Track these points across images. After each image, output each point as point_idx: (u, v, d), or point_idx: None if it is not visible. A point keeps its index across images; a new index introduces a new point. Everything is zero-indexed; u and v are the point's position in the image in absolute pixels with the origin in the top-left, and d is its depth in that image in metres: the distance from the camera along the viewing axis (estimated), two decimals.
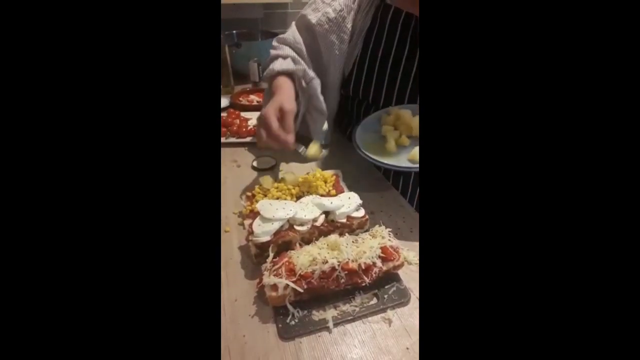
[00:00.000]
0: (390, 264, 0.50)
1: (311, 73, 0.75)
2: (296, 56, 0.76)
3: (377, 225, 0.55)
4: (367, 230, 0.59)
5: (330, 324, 0.46)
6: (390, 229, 0.54)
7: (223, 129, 0.95)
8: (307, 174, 0.67)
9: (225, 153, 0.87)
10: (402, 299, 0.49)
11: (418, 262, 0.55)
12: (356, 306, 0.48)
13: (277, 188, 0.64)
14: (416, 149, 0.68)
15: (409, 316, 0.48)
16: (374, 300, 0.49)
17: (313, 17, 0.76)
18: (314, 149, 0.66)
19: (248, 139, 0.92)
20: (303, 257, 0.47)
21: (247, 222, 0.57)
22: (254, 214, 0.57)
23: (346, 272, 0.47)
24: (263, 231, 0.53)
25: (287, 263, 0.48)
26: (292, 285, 0.45)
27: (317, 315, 0.47)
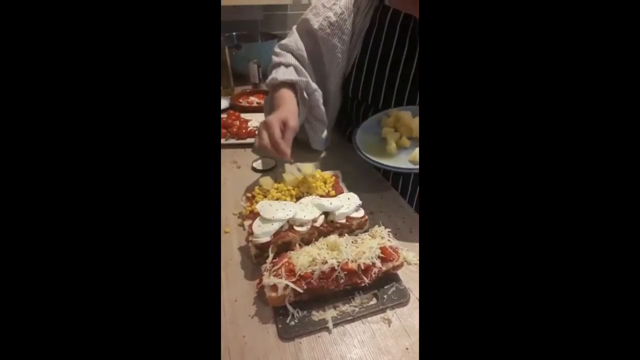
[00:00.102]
0: (390, 264, 0.51)
1: (313, 85, 0.77)
2: (298, 65, 0.77)
3: (376, 226, 0.55)
4: (366, 231, 0.59)
5: (330, 324, 0.46)
6: (389, 230, 0.54)
7: (223, 130, 0.95)
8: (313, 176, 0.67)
9: (225, 154, 0.88)
10: (401, 299, 0.49)
11: (417, 262, 0.56)
12: (356, 306, 0.48)
13: (276, 189, 0.64)
14: (417, 151, 0.68)
15: (408, 316, 0.48)
16: (374, 301, 0.50)
17: (315, 22, 0.77)
18: (309, 169, 0.66)
19: (248, 140, 0.92)
20: (303, 258, 0.48)
21: (247, 223, 0.58)
22: (254, 215, 0.57)
23: (346, 272, 0.48)
24: (263, 232, 0.53)
25: (286, 263, 0.48)
26: (291, 285, 0.45)
27: (316, 315, 0.47)
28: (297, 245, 0.54)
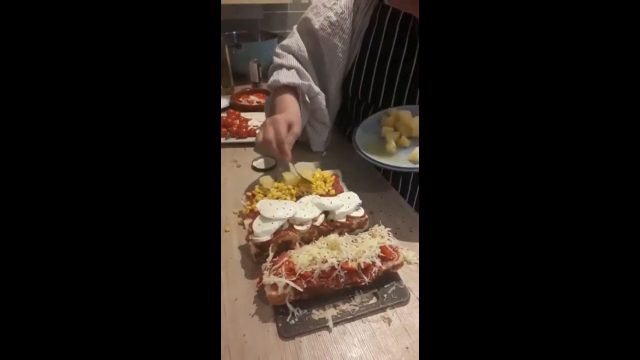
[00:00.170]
0: (390, 264, 0.51)
1: (316, 88, 0.76)
2: (300, 67, 0.77)
3: (376, 225, 0.55)
4: (366, 230, 0.59)
5: (330, 323, 0.46)
6: (389, 229, 0.54)
7: (223, 130, 0.95)
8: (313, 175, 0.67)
9: (225, 153, 0.88)
10: (401, 298, 0.50)
11: (417, 261, 0.56)
12: (356, 305, 0.48)
13: (277, 188, 0.64)
14: (417, 150, 0.68)
15: (408, 315, 0.48)
16: (374, 300, 0.50)
17: (315, 22, 0.76)
18: (307, 173, 0.66)
19: (248, 139, 0.92)
20: (303, 257, 0.48)
21: (247, 221, 0.58)
22: (254, 214, 0.57)
23: (346, 271, 0.48)
24: (263, 231, 0.53)
25: (287, 262, 0.48)
26: (292, 284, 0.46)
27: (316, 314, 0.47)
28: (297, 244, 0.54)
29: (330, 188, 0.64)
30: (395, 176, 0.81)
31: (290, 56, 0.79)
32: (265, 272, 0.48)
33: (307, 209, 0.57)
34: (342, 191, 0.64)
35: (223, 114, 1.04)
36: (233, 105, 1.14)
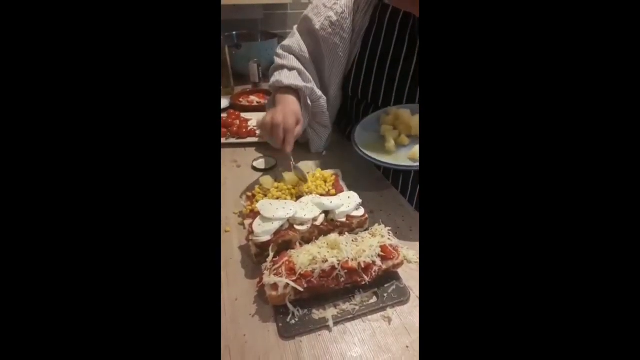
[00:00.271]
0: (390, 263, 0.51)
1: (318, 92, 0.76)
2: (302, 68, 0.77)
3: (376, 224, 0.55)
4: (366, 229, 0.59)
5: (330, 323, 0.46)
6: (389, 228, 0.54)
7: (223, 130, 0.95)
8: (308, 173, 0.67)
9: (225, 153, 0.88)
10: (401, 297, 0.50)
11: (417, 260, 0.56)
12: (356, 305, 0.48)
13: (277, 188, 0.64)
14: (416, 148, 0.69)
15: (408, 314, 0.48)
16: (374, 299, 0.50)
17: (316, 22, 0.76)
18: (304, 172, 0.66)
19: (248, 140, 0.92)
20: (303, 257, 0.48)
21: (247, 222, 0.58)
22: (254, 214, 0.57)
23: (346, 271, 0.48)
24: (263, 231, 0.53)
25: (287, 262, 0.48)
26: (292, 284, 0.46)
27: (317, 314, 0.47)
28: (298, 244, 0.54)
29: (330, 188, 0.64)
30: (395, 175, 0.81)
31: (292, 57, 0.79)
32: (266, 272, 0.48)
33: (307, 209, 0.57)
34: (342, 191, 0.64)
35: (223, 115, 1.04)
36: (233, 106, 1.14)
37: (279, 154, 0.82)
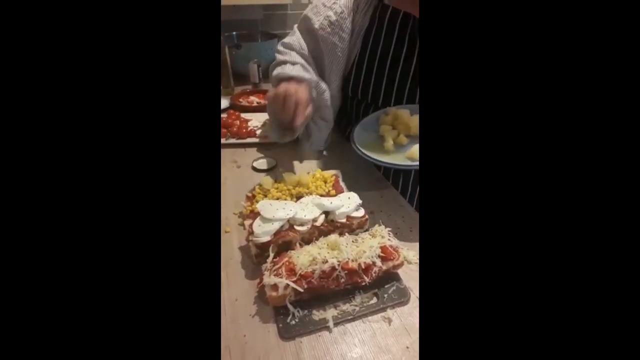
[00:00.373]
0: (390, 264, 0.51)
1: (323, 85, 0.76)
2: (305, 63, 0.76)
3: (376, 225, 0.55)
4: (366, 230, 0.59)
5: (331, 324, 0.46)
6: (389, 229, 0.54)
7: (223, 130, 0.95)
8: (308, 173, 0.67)
9: (225, 154, 0.88)
10: (401, 298, 0.50)
11: (418, 261, 0.56)
12: (356, 306, 0.48)
13: (277, 188, 0.64)
14: (415, 147, 0.69)
15: (408, 315, 0.48)
16: (374, 300, 0.50)
17: (315, 22, 0.76)
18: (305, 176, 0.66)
19: (248, 140, 0.92)
20: (303, 257, 0.48)
21: (247, 222, 0.58)
22: (254, 215, 0.57)
23: (346, 271, 0.48)
24: (263, 231, 0.53)
25: (287, 263, 0.48)
26: (292, 285, 0.46)
27: (317, 314, 0.47)
28: (298, 245, 0.54)
29: (330, 188, 0.64)
30: (395, 176, 0.81)
31: (294, 52, 0.78)
32: (266, 273, 0.48)
33: (308, 210, 0.57)
34: (342, 191, 0.64)
35: (223, 115, 1.04)
36: (233, 106, 1.14)
37: (279, 148, 0.81)
